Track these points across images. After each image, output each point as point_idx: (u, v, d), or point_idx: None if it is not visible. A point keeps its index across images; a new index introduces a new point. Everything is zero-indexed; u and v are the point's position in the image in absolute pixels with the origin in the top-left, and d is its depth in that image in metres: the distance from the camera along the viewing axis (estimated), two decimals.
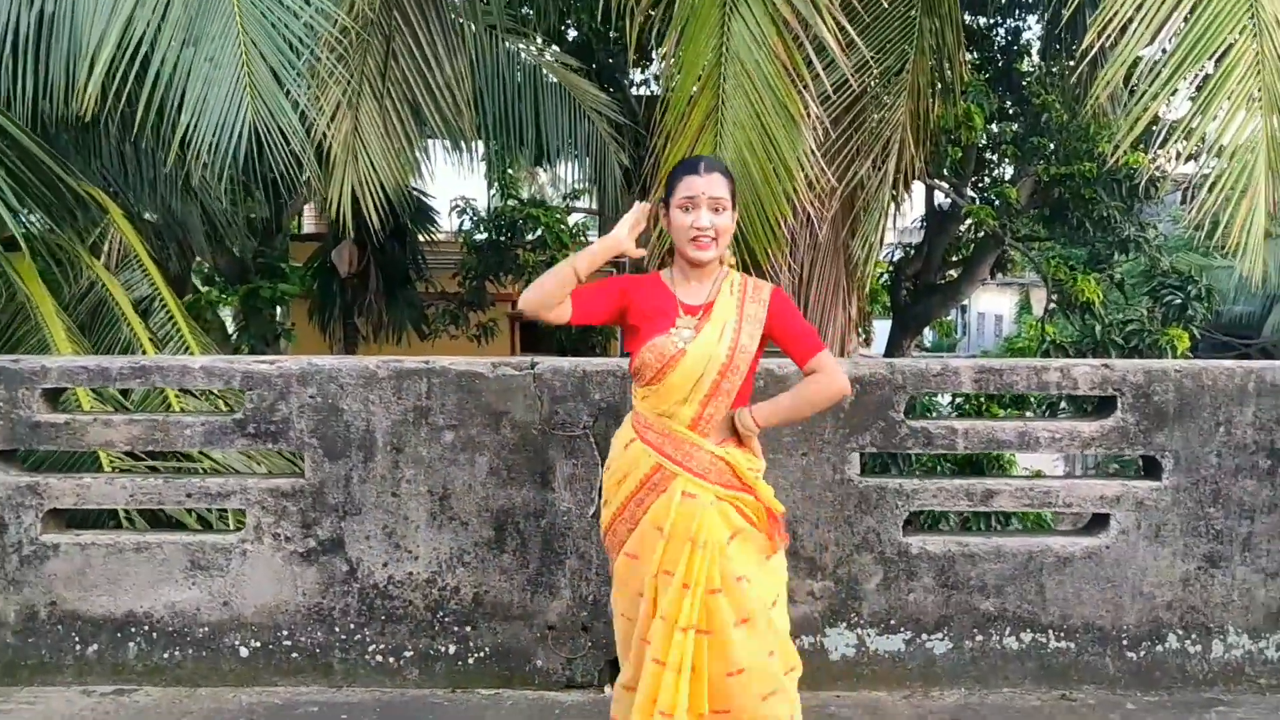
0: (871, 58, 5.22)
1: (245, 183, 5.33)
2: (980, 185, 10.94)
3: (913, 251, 12.23)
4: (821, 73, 4.25)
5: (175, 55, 4.26)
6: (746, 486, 2.58)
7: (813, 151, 4.30)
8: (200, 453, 4.10)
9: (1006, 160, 10.34)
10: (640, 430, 2.63)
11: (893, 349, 11.63)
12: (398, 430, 3.40)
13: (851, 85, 4.95)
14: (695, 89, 4.33)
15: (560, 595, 3.46)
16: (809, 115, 4.17)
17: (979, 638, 3.50)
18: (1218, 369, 3.43)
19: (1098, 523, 3.53)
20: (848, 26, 4.23)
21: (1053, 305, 9.58)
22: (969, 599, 3.49)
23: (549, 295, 2.52)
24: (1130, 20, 4.89)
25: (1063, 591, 3.48)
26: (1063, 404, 7.36)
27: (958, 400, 7.07)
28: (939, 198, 11.45)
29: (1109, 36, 4.94)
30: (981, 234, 10.20)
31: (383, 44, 5.38)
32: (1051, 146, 9.27)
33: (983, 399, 6.38)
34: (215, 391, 3.66)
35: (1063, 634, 3.49)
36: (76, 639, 3.42)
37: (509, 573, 3.45)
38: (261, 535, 3.40)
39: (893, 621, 3.49)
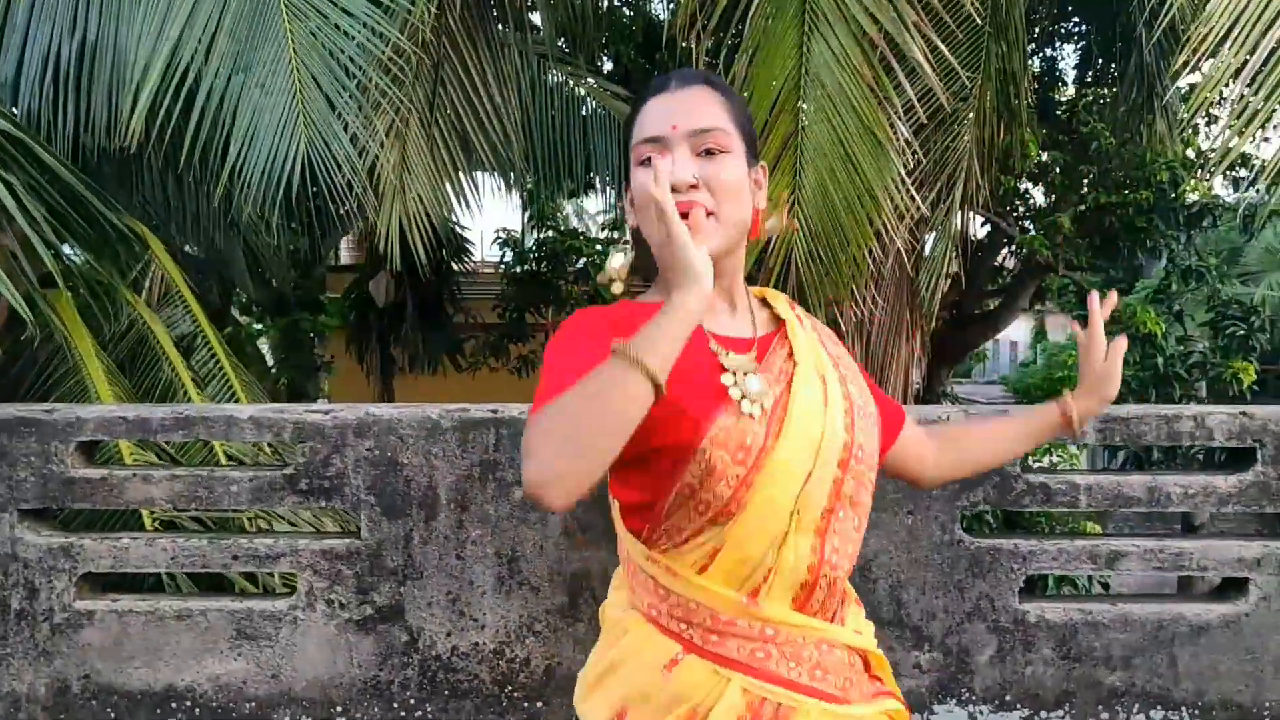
0: (947, 79, 4.95)
1: (288, 213, 5.10)
2: (1017, 214, 10.68)
3: (951, 281, 11.98)
4: (907, 87, 3.96)
5: (224, 84, 4.04)
6: (890, 689, 1.60)
7: (902, 178, 4.00)
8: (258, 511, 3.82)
9: (1054, 189, 10.09)
10: (694, 635, 1.49)
11: (932, 380, 11.31)
12: (462, 486, 3.10)
13: (929, 106, 4.67)
14: (769, 115, 4.05)
15: None
16: (896, 138, 3.88)
17: (1104, 715, 3.15)
18: None
19: (1233, 587, 3.19)
20: (938, 42, 3.94)
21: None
22: (1092, 672, 3.15)
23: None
24: (1225, 40, 4.63)
25: (1197, 664, 3.13)
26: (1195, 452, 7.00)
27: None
28: (976, 225, 11.20)
29: (1199, 60, 4.68)
30: (1023, 264, 9.92)
31: (431, 71, 5.15)
32: (1096, 174, 9.01)
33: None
34: (269, 444, 3.37)
35: (1197, 711, 3.14)
36: (112, 715, 3.12)
37: (584, 643, 3.13)
38: (314, 601, 3.09)
39: (1008, 697, 3.15)
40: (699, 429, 1.42)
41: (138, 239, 4.82)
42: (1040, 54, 10.91)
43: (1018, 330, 33.86)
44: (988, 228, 10.51)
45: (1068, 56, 11.16)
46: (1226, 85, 4.97)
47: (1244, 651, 3.12)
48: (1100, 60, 9.86)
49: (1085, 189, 9.21)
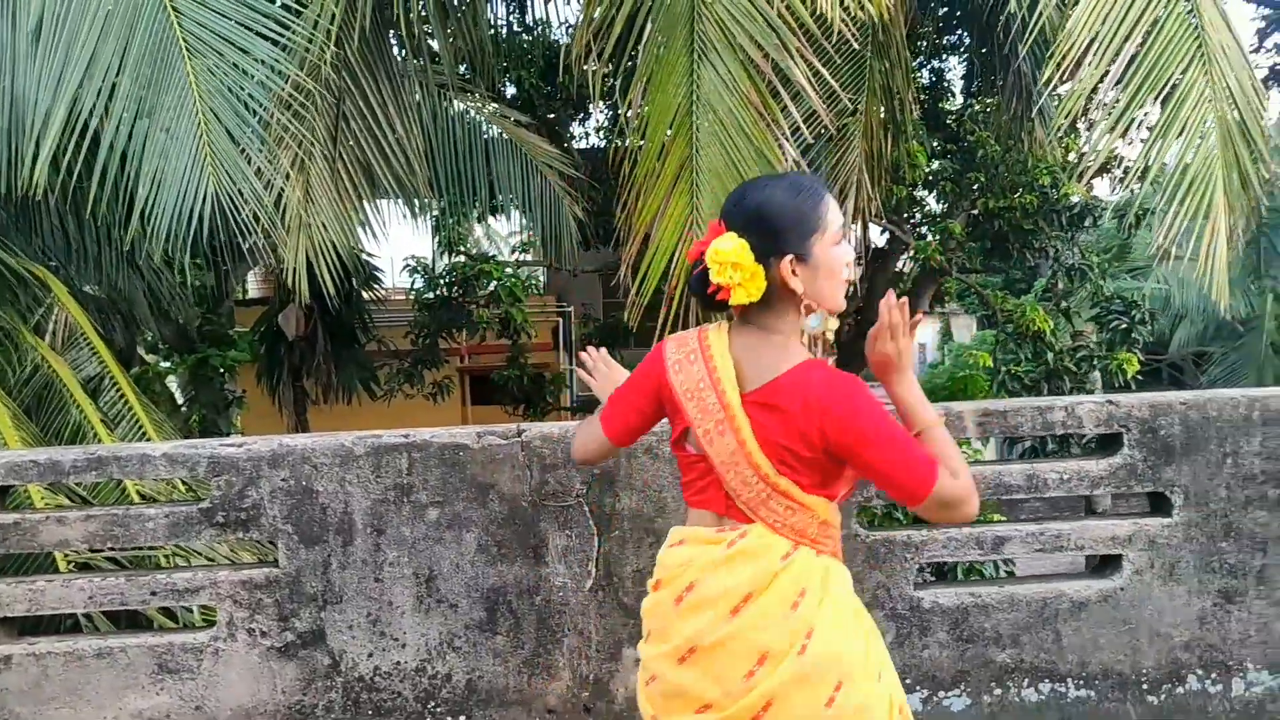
0: (828, 101, 5.18)
1: (192, 251, 5.11)
2: (913, 222, 11.10)
3: (853, 289, 12.34)
4: (793, 110, 4.16)
5: (129, 128, 4.05)
6: None
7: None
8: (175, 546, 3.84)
9: (945, 197, 10.51)
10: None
11: None
12: (378, 510, 3.19)
13: (816, 126, 4.89)
14: (666, 140, 4.22)
15: (559, 676, 3.26)
16: (785, 158, 4.08)
17: (997, 691, 3.36)
18: (1222, 399, 3.36)
19: (1109, 564, 3.43)
20: (820, 67, 4.16)
21: (1002, 335, 9.67)
22: (985, 651, 3.35)
23: None
24: (1087, 52, 4.94)
25: (1079, 638, 3.36)
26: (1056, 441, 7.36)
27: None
28: (874, 234, 11.58)
29: (1064, 71, 4.98)
30: (920, 269, 10.31)
31: (333, 106, 5.21)
32: (984, 180, 9.41)
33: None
34: (182, 479, 3.41)
35: (1081, 682, 3.37)
36: None
37: (503, 655, 3.24)
38: (235, 631, 3.15)
39: (908, 680, 3.33)
40: None
41: (39, 282, 4.78)
42: (929, 66, 11.36)
43: (925, 333, 34.84)
44: (886, 236, 10.87)
45: (955, 69, 11.58)
46: (1093, 93, 5.29)
47: (1121, 623, 3.36)
48: (983, 71, 10.30)
49: (975, 195, 9.60)
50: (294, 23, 4.26)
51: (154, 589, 3.13)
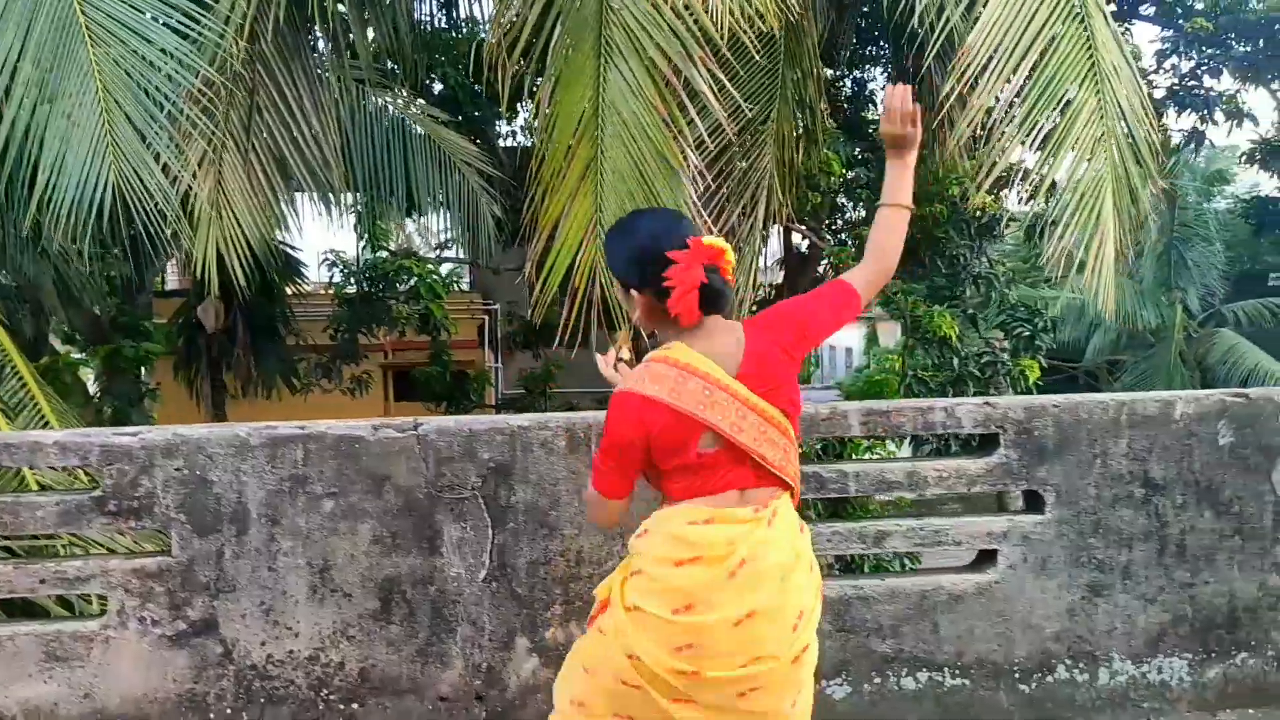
0: (739, 109, 5.31)
1: (103, 241, 5.05)
2: (833, 228, 11.33)
3: (774, 292, 12.60)
4: (698, 120, 4.27)
5: (29, 114, 4.01)
6: None
7: (694, 200, 4.31)
8: (68, 534, 3.82)
9: (861, 204, 10.74)
10: None
11: None
12: (273, 501, 3.22)
13: (723, 134, 5.02)
14: (573, 141, 4.30)
15: (452, 665, 3.32)
16: (688, 164, 4.18)
17: (877, 680, 3.49)
18: (1093, 403, 3.54)
19: (985, 558, 3.58)
20: (722, 77, 4.27)
21: (911, 340, 9.92)
22: (866, 641, 3.49)
23: None
24: (984, 70, 5.13)
25: (956, 629, 3.51)
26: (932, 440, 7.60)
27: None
28: (796, 240, 11.79)
29: (965, 84, 5.16)
30: (839, 274, 10.52)
31: (246, 98, 5.20)
32: None
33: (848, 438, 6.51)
34: (76, 466, 3.40)
35: (958, 671, 3.52)
36: None
37: (396, 644, 3.29)
38: (126, 620, 3.15)
39: None
40: None
41: None
42: (850, 76, 11.59)
43: (852, 338, 35.41)
44: (807, 242, 11.08)
45: (877, 79, 11.83)
46: (991, 108, 5.48)
47: (995, 615, 3.52)
48: (900, 82, 10.53)
49: None
50: (204, 16, 4.25)
51: (43, 577, 3.13)
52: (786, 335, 2.38)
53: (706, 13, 3.84)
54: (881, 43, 11.35)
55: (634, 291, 2.34)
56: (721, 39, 4.17)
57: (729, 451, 2.29)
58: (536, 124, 5.18)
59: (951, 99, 5.41)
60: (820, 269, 11.61)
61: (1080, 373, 20.34)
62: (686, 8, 3.93)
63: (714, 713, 2.32)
